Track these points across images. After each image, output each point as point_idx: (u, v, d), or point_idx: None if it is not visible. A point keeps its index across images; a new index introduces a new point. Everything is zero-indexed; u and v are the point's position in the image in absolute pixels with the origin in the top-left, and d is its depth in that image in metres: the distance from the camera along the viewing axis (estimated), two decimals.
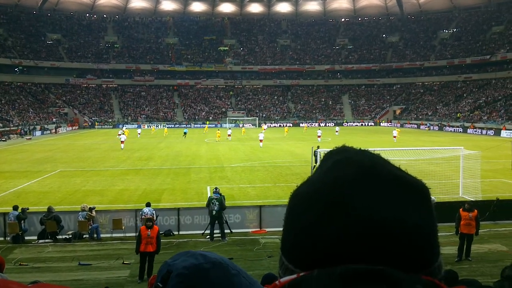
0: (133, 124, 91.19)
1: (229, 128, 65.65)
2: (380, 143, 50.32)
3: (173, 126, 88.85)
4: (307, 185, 0.80)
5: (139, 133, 66.53)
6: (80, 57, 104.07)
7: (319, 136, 55.76)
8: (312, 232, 0.73)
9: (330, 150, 0.86)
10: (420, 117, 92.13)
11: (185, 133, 64.14)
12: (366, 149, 0.84)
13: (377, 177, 0.76)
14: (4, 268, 6.08)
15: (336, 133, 66.86)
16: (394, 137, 54.11)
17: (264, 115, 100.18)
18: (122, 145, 46.73)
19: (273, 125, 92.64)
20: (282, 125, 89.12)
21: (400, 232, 0.71)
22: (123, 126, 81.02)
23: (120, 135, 53.55)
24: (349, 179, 0.75)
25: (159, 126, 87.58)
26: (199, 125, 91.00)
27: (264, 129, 67.32)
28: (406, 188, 0.76)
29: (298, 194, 0.80)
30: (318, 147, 30.81)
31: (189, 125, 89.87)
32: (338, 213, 0.72)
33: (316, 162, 26.79)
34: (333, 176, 0.76)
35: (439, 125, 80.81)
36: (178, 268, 0.84)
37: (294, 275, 0.73)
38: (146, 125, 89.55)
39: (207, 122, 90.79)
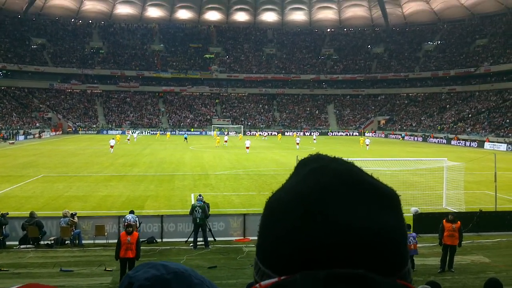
0: (117, 130, 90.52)
1: (226, 135, 68.91)
2: (358, 153, 50.65)
3: (155, 132, 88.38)
4: (284, 192, 0.81)
5: (135, 137, 69.62)
6: (64, 62, 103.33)
7: (297, 143, 57.86)
8: (290, 239, 0.74)
9: (305, 158, 0.87)
10: (404, 128, 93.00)
11: (185, 138, 68.13)
12: (339, 157, 0.86)
13: (352, 185, 0.77)
14: None
15: (313, 141, 69.01)
16: (367, 145, 58.01)
17: (249, 123, 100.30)
18: (111, 150, 48.58)
19: (259, 133, 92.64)
20: (269, 134, 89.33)
21: (375, 237, 0.73)
22: (133, 131, 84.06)
23: (129, 139, 64.94)
24: (325, 186, 0.76)
25: (143, 132, 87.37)
26: (183, 132, 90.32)
27: (265, 138, 68.31)
28: (380, 195, 0.78)
29: (275, 200, 0.81)
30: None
31: (174, 132, 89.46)
32: (316, 220, 0.73)
33: None
34: (310, 184, 0.77)
35: (423, 136, 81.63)
36: (139, 279, 0.83)
37: (274, 278, 0.75)
38: (130, 131, 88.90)
39: (217, 130, 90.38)
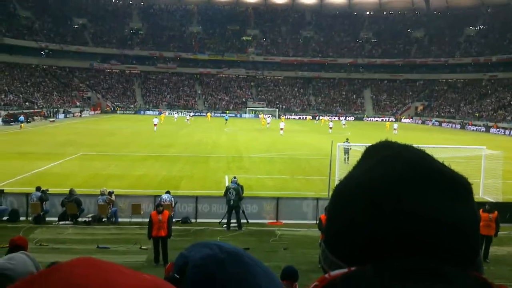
0: (154, 110, 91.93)
1: (269, 117, 69.37)
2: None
3: (193, 114, 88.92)
4: (353, 180, 0.80)
5: (187, 120, 71.70)
6: (104, 42, 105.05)
7: (330, 128, 57.78)
8: (360, 228, 0.74)
9: (373, 145, 0.86)
10: (442, 114, 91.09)
11: (226, 119, 71.74)
12: (410, 144, 0.84)
13: (425, 173, 0.76)
14: (28, 248, 6.32)
15: (343, 126, 67.32)
16: (395, 129, 59.41)
17: (284, 107, 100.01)
18: (155, 128, 52.70)
19: (293, 117, 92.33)
20: (302, 118, 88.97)
21: (448, 228, 0.72)
22: (191, 113, 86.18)
23: (188, 119, 70.45)
24: (397, 175, 0.75)
25: (180, 113, 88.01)
26: (218, 114, 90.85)
27: (330, 126, 59.52)
28: (453, 184, 0.77)
29: (343, 188, 0.80)
30: (347, 139, 31.01)
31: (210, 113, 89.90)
32: (387, 210, 0.72)
33: (346, 154, 27.07)
34: (381, 172, 0.77)
35: (461, 123, 79.82)
36: (194, 259, 0.86)
37: (344, 269, 0.73)
38: (166, 112, 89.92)
39: (260, 113, 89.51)
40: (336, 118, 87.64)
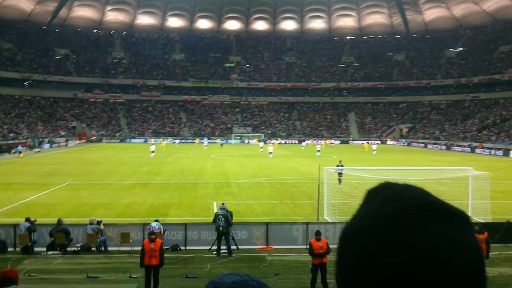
0: (139, 138, 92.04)
1: (271, 145, 63.11)
2: (371, 161, 50.37)
3: (178, 141, 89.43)
4: (360, 219, 0.83)
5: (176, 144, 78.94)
6: (88, 72, 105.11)
7: (318, 151, 59.70)
8: (371, 266, 0.75)
9: (374, 187, 0.89)
10: (427, 136, 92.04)
11: (221, 144, 77.39)
12: (410, 184, 0.87)
13: (428, 210, 0.79)
14: (18, 280, 6.30)
15: (302, 148, 74.04)
16: (374, 150, 63.66)
17: (269, 132, 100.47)
18: (152, 154, 54.79)
19: (279, 142, 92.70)
20: (286, 142, 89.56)
21: (460, 260, 0.74)
22: (204, 139, 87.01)
23: (204, 143, 76.70)
24: (403, 213, 0.78)
25: (165, 141, 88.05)
26: (202, 141, 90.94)
27: (318, 150, 60.77)
28: (455, 218, 0.80)
29: (352, 228, 0.83)
30: (340, 162, 31.60)
31: (194, 141, 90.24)
32: (397, 247, 0.74)
33: (340, 175, 28.34)
34: (387, 210, 0.79)
35: (446, 144, 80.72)
36: (225, 283, 0.89)
37: None
38: (152, 139, 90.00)
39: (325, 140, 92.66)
40: (322, 141, 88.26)
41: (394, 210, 0.79)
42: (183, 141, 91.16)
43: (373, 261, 0.75)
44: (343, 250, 0.83)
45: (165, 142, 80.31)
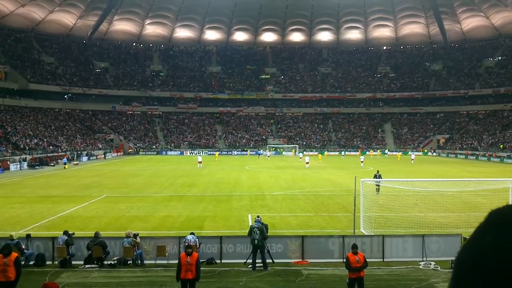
0: (175, 150, 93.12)
1: (307, 156, 67.22)
2: (408, 172, 49.42)
3: (237, 153, 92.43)
4: (479, 249, 0.78)
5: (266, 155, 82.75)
6: (126, 85, 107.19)
7: (361, 161, 61.33)
8: None
9: (497, 211, 0.83)
10: (465, 146, 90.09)
11: (259, 154, 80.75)
12: None
13: None
14: None
15: (299, 158, 72.95)
16: (412, 159, 67.09)
17: (304, 143, 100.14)
18: (200, 165, 58.24)
19: (314, 153, 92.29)
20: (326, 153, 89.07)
21: None
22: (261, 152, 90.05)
23: (265, 154, 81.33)
24: None
25: (201, 153, 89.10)
26: (239, 152, 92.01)
27: (362, 161, 61.91)
28: None
29: (469, 258, 0.79)
30: (378, 172, 32.11)
31: (230, 152, 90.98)
32: None
33: (378, 185, 29.74)
34: (503, 240, 0.75)
35: (485, 155, 78.73)
36: None
37: None
38: (188, 151, 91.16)
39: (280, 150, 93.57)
40: (368, 152, 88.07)
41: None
42: (238, 152, 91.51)
43: None
44: (458, 282, 0.79)
45: (218, 153, 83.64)
